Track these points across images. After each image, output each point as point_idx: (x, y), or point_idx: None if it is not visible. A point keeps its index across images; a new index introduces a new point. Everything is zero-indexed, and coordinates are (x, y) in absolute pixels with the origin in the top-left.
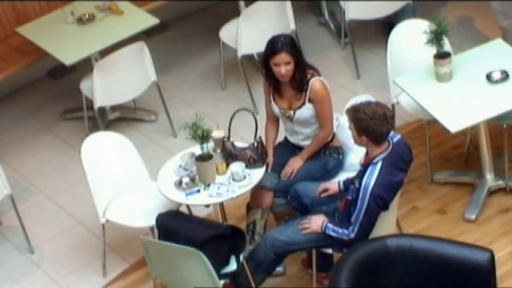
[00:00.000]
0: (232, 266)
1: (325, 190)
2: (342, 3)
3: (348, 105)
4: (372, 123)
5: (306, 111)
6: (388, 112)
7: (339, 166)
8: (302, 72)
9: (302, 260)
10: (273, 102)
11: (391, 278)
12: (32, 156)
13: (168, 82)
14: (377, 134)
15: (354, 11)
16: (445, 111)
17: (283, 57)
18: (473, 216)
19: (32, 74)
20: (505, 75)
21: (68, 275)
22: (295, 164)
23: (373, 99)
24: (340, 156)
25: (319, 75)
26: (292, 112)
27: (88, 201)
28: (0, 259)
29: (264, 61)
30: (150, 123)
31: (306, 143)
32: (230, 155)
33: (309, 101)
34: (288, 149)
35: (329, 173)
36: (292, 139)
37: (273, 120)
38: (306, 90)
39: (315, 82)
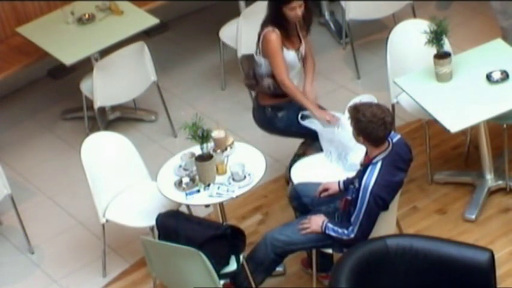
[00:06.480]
0: (232, 266)
1: (325, 190)
2: (342, 3)
3: (351, 103)
4: (369, 126)
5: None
6: (388, 117)
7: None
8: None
9: (302, 260)
10: (285, 50)
11: (391, 278)
12: (32, 156)
13: (168, 82)
14: (373, 137)
15: (354, 11)
16: (445, 111)
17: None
18: (473, 216)
19: (32, 74)
20: (505, 75)
21: (68, 275)
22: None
23: (375, 100)
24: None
25: None
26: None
27: (88, 201)
28: (0, 259)
29: (277, 12)
30: (150, 123)
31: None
32: (255, 80)
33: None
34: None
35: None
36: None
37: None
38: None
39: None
